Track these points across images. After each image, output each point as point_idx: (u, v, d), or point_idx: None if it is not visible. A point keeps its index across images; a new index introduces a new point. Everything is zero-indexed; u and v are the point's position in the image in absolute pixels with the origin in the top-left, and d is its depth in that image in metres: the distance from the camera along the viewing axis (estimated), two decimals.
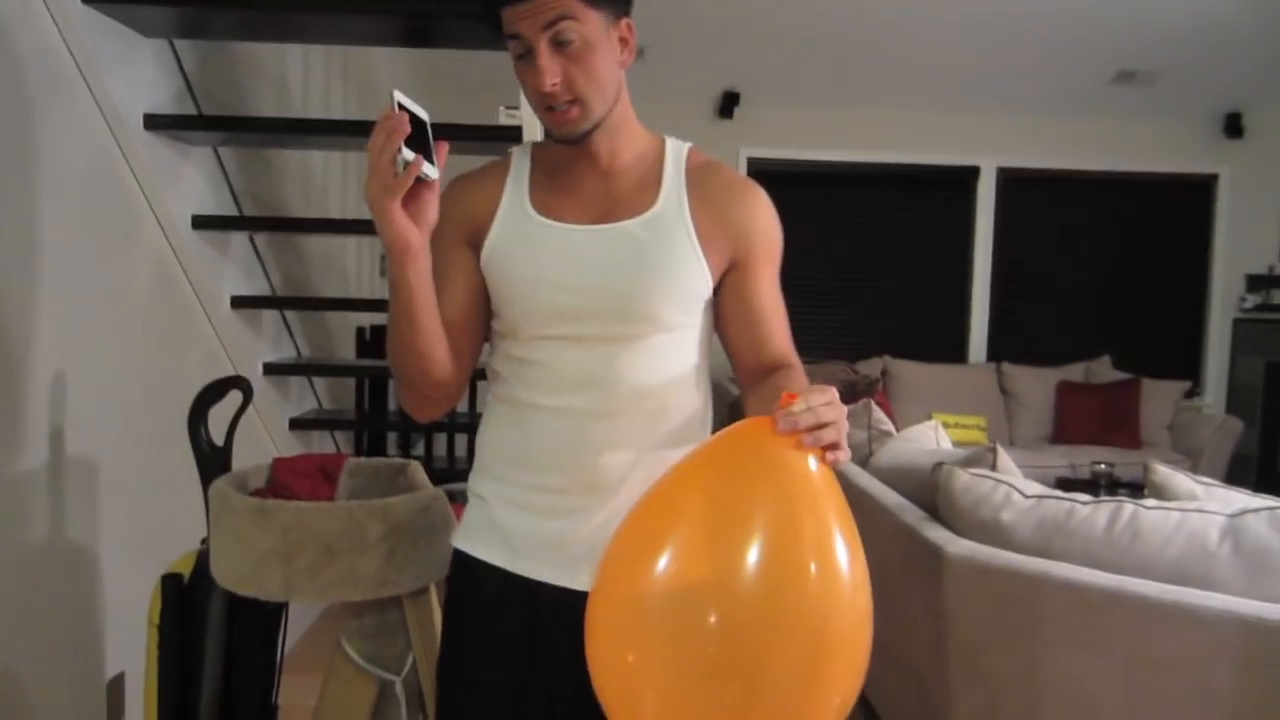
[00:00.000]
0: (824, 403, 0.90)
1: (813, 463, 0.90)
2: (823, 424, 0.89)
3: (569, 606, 1.09)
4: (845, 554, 0.87)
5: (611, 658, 0.89)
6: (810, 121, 5.90)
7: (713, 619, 0.82)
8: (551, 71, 1.07)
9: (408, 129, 0.96)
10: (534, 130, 2.10)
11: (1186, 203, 6.16)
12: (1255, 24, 4.97)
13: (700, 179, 1.20)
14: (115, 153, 2.12)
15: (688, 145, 1.25)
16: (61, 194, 1.91)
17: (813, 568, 0.85)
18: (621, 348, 1.16)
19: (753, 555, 0.83)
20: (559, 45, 1.06)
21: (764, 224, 1.22)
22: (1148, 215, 6.15)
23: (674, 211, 1.18)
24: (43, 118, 1.85)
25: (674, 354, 1.20)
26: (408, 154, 0.97)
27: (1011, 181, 6.10)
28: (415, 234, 1.03)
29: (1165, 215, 6.16)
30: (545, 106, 1.11)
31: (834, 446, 0.91)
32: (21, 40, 1.80)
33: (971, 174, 6.09)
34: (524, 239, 1.19)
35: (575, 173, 1.20)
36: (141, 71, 2.23)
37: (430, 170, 1.01)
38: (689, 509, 0.89)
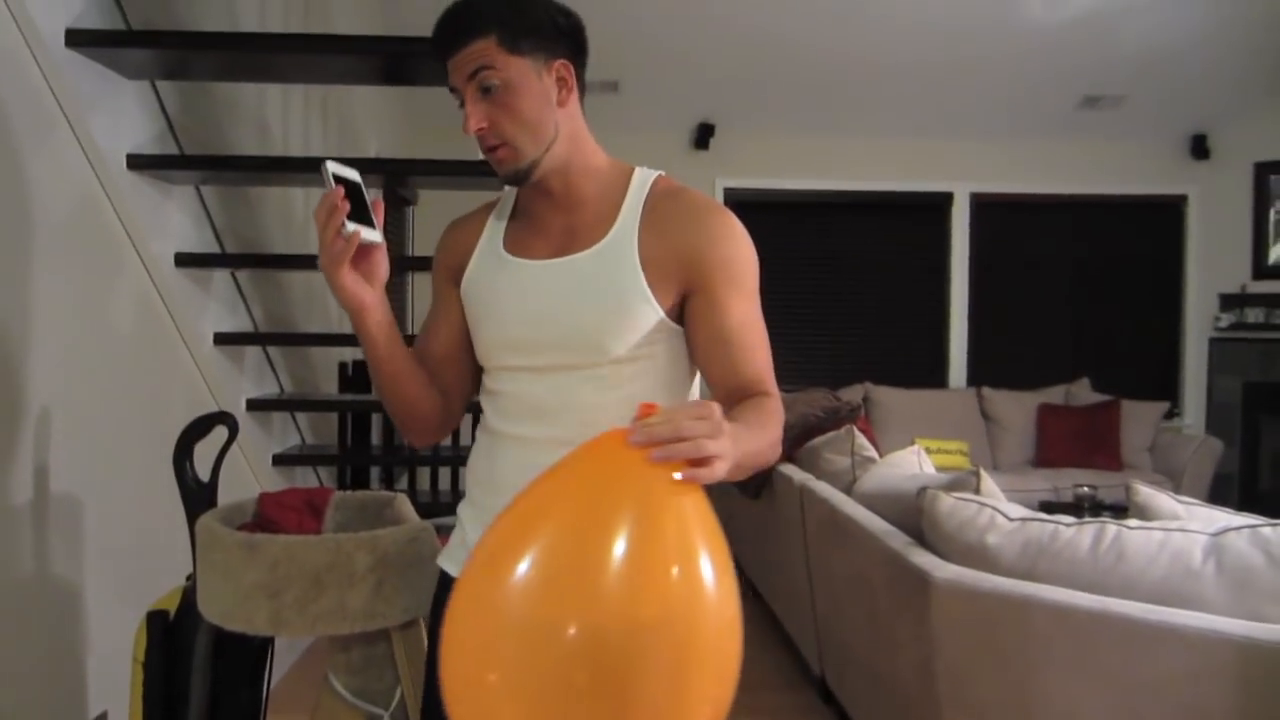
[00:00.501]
0: (691, 417, 0.86)
1: (677, 476, 0.86)
2: (681, 439, 0.85)
3: None
4: (709, 565, 0.85)
5: (468, 675, 0.85)
6: (785, 151, 5.97)
7: (573, 630, 0.79)
8: (475, 116, 1.14)
9: (347, 206, 1.07)
10: None
11: (1157, 223, 6.26)
12: (1216, 48, 5.09)
13: (657, 207, 1.21)
14: (99, 192, 2.12)
15: (656, 175, 1.26)
16: (45, 233, 1.91)
17: (674, 574, 0.83)
18: (575, 377, 1.19)
19: (612, 564, 0.80)
20: (484, 91, 1.14)
21: (722, 249, 1.19)
22: (1120, 237, 6.25)
23: (623, 243, 1.19)
24: (26, 159, 1.86)
25: (633, 383, 1.20)
26: (350, 227, 1.07)
27: (985, 206, 6.19)
28: (368, 292, 1.14)
29: (1137, 236, 6.26)
30: (483, 150, 1.19)
31: (698, 463, 0.86)
32: (5, 83, 1.80)
33: (945, 200, 6.17)
34: (491, 276, 1.26)
35: (540, 209, 1.26)
36: (124, 112, 2.24)
37: (372, 235, 1.11)
38: (549, 519, 0.86)
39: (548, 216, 1.25)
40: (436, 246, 1.33)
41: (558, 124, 1.18)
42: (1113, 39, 4.98)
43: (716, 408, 0.90)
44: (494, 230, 1.30)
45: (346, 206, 1.06)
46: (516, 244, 1.26)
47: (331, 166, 1.08)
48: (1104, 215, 6.23)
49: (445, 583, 1.27)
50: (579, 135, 1.22)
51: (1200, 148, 6.12)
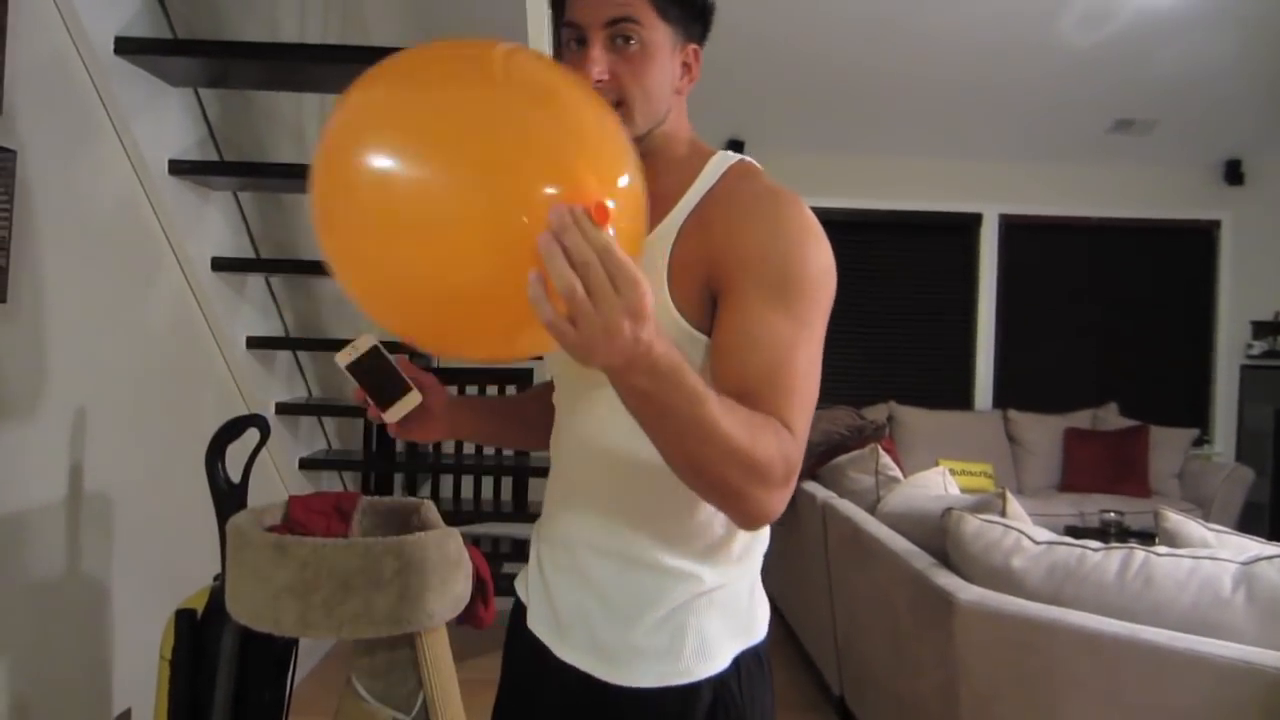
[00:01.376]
0: (613, 286, 0.72)
1: (531, 276, 0.75)
2: (564, 290, 0.71)
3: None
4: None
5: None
6: (814, 169, 5.97)
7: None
8: (601, 63, 1.00)
9: (372, 408, 1.09)
10: None
11: (1190, 249, 6.20)
12: (1250, 73, 5.04)
13: (716, 196, 1.04)
14: (140, 196, 2.17)
15: (735, 159, 1.09)
16: (88, 235, 1.95)
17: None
18: (597, 394, 1.03)
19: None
20: (617, 43, 1.00)
21: (759, 241, 0.98)
22: (1151, 261, 6.19)
23: (663, 239, 1.03)
24: (73, 162, 1.90)
25: None
26: (384, 417, 1.09)
27: (1014, 228, 6.15)
28: (430, 430, 1.18)
29: (1169, 261, 6.20)
30: None
31: (570, 321, 0.73)
32: (56, 88, 1.85)
33: (974, 220, 6.14)
34: None
35: None
36: (168, 119, 2.28)
37: (405, 405, 1.09)
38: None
39: None
40: None
41: (669, 110, 1.06)
42: (1146, 63, 4.95)
43: (651, 306, 0.74)
44: None
45: (379, 414, 1.08)
46: None
47: (343, 361, 1.07)
48: (1135, 239, 6.17)
49: (518, 609, 1.19)
50: (680, 126, 1.10)
51: (1234, 173, 6.06)
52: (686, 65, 1.07)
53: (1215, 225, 6.16)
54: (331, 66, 2.26)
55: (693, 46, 1.07)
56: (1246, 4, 4.33)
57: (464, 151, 0.78)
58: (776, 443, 0.89)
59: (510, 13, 2.20)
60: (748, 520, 0.93)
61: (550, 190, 0.75)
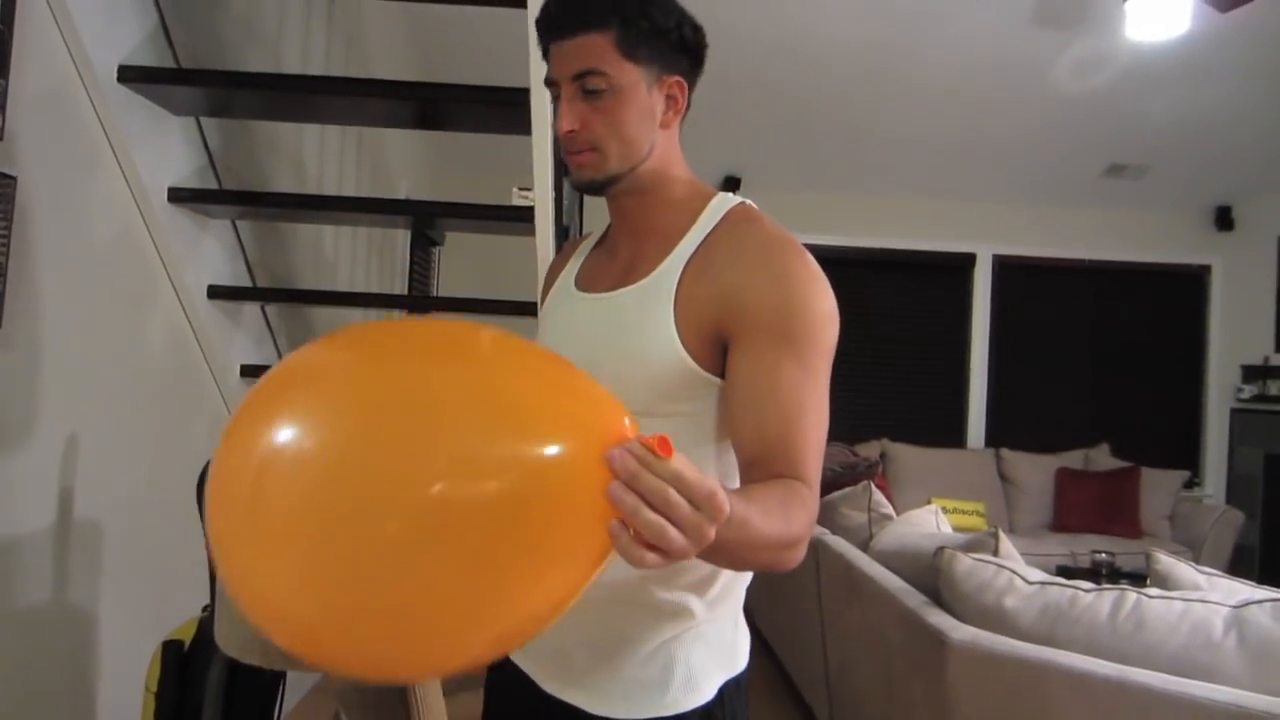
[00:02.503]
0: (694, 498, 0.68)
1: (612, 524, 0.68)
2: (661, 513, 0.67)
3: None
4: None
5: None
6: (810, 206, 6.03)
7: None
8: (569, 116, 1.04)
9: None
10: (547, 211, 2.16)
11: (1180, 293, 6.26)
12: (1241, 122, 5.12)
13: (718, 239, 1.05)
14: (139, 223, 2.18)
15: (735, 202, 1.11)
16: (85, 262, 1.96)
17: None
18: None
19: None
20: (587, 94, 1.03)
21: (768, 290, 0.99)
22: (1142, 304, 6.24)
23: (666, 278, 1.04)
24: (73, 188, 1.91)
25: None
26: None
27: (1008, 269, 6.20)
28: None
29: (1160, 305, 6.25)
30: (567, 151, 1.07)
31: (648, 544, 0.68)
32: (58, 115, 1.86)
33: (968, 260, 6.19)
34: (552, 312, 1.20)
35: (615, 236, 1.17)
36: (169, 147, 2.30)
37: None
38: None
39: (620, 244, 1.15)
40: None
41: (654, 143, 1.07)
42: (1138, 110, 5.02)
43: (727, 503, 0.70)
44: (576, 261, 1.21)
45: None
46: (587, 276, 1.17)
47: None
48: (1127, 282, 6.23)
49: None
50: (670, 159, 1.11)
51: (1225, 219, 6.13)
52: (671, 98, 1.08)
53: (1206, 270, 6.22)
54: (333, 98, 2.28)
55: (674, 79, 1.08)
56: (1237, 54, 4.41)
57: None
58: (805, 511, 0.91)
59: (509, 44, 2.22)
60: (782, 572, 0.94)
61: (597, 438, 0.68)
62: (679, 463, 0.68)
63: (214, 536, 0.71)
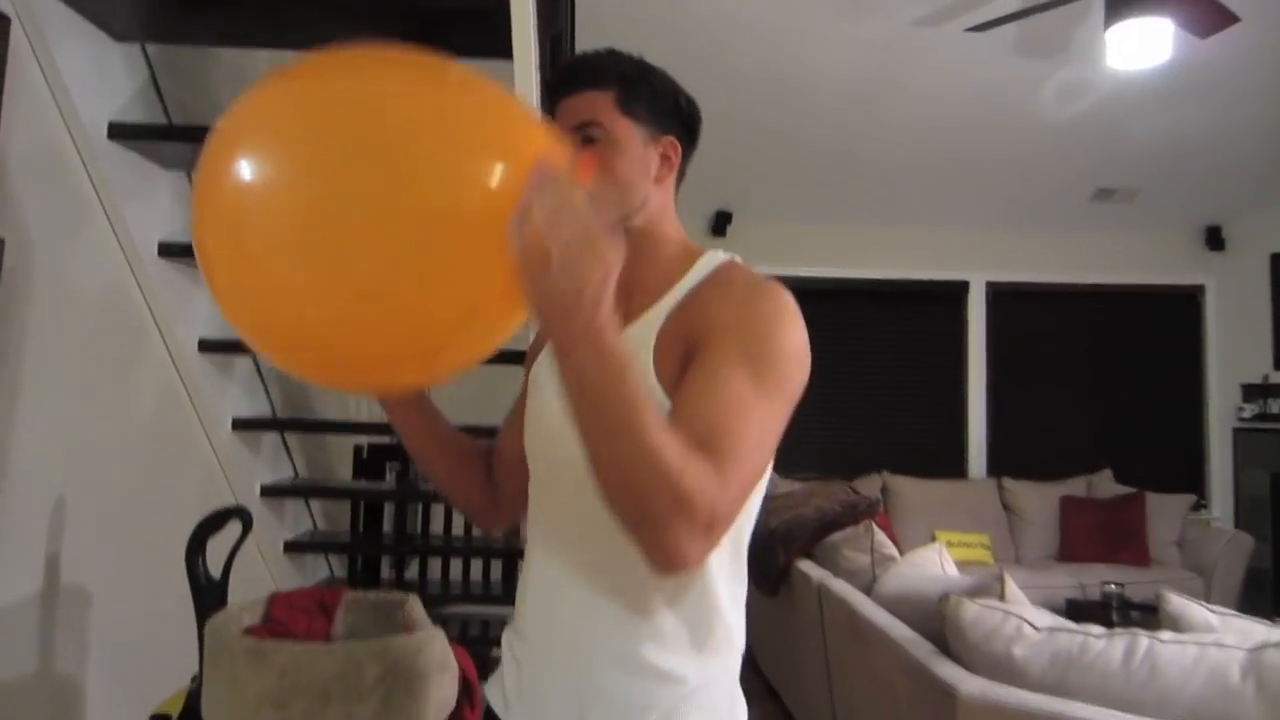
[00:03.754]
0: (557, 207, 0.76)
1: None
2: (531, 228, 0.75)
3: None
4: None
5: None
6: (802, 238, 6.03)
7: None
8: None
9: None
10: None
11: (1175, 313, 6.24)
12: (1226, 142, 5.14)
13: (701, 288, 1.09)
14: (129, 279, 2.16)
15: (725, 258, 1.13)
16: (74, 320, 1.93)
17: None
18: (586, 486, 0.95)
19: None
20: (586, 142, 1.09)
21: (735, 312, 1.01)
22: (1138, 326, 6.22)
23: (650, 326, 1.07)
24: (62, 246, 1.89)
25: None
26: None
27: (1001, 295, 6.20)
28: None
29: (1156, 326, 6.24)
30: None
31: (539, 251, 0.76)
32: (49, 174, 1.85)
33: (961, 288, 6.19)
34: (542, 370, 1.20)
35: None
36: (159, 201, 2.28)
37: None
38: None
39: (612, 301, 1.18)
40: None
41: (647, 197, 1.12)
42: (1124, 134, 5.03)
43: (617, 263, 0.79)
44: None
45: None
46: None
47: None
48: (1122, 305, 6.22)
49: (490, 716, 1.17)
50: (663, 218, 1.15)
51: (1215, 239, 6.14)
52: (665, 157, 1.13)
53: (1199, 290, 6.22)
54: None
55: (668, 139, 1.13)
56: (1220, 76, 4.43)
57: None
58: (705, 480, 0.87)
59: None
60: (663, 557, 0.88)
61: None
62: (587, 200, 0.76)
63: (203, 257, 0.84)
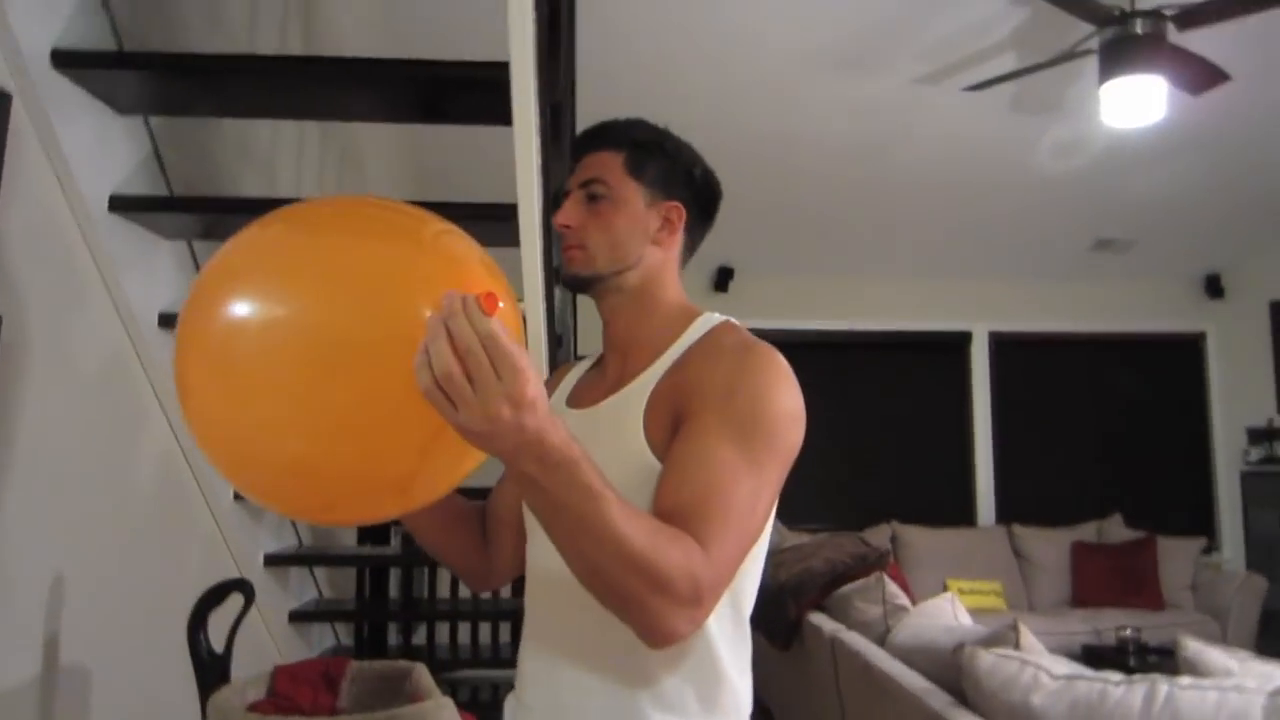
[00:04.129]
0: (492, 366, 0.75)
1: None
2: (443, 379, 0.75)
3: None
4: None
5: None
6: (804, 292, 6.06)
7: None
8: (566, 212, 1.14)
9: None
10: (538, 320, 2.15)
11: (1178, 360, 6.27)
12: (1220, 192, 5.20)
13: (695, 348, 1.10)
14: (129, 351, 2.16)
15: (721, 320, 1.15)
16: (72, 394, 1.93)
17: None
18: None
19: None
20: (590, 199, 1.14)
21: (725, 377, 1.01)
22: (1142, 374, 6.24)
23: (643, 387, 1.08)
24: (61, 320, 1.89)
25: None
26: None
27: (1005, 345, 6.21)
28: None
29: (1159, 373, 6.25)
30: (562, 246, 1.17)
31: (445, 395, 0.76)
32: (46, 247, 1.86)
33: (964, 339, 6.20)
34: None
35: (607, 357, 1.21)
36: (159, 272, 2.29)
37: None
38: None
39: (610, 363, 1.19)
40: None
41: (643, 256, 1.15)
42: (1121, 186, 5.10)
43: (536, 393, 0.77)
44: (570, 381, 1.26)
45: None
46: (577, 393, 1.21)
47: None
48: (1124, 353, 6.24)
49: None
50: (660, 279, 1.17)
51: (1215, 287, 6.19)
52: (667, 220, 1.16)
53: (1200, 337, 6.26)
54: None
55: (673, 203, 1.16)
56: (1212, 131, 4.50)
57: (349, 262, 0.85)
58: (683, 558, 0.88)
59: (498, 162, 2.24)
60: (650, 635, 0.90)
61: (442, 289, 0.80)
62: (499, 328, 0.75)
63: (185, 394, 0.90)
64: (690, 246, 1.21)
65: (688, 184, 1.18)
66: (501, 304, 0.81)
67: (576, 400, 1.20)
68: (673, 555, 0.87)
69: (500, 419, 0.76)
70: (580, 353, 1.57)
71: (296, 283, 0.83)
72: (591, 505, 0.83)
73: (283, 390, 0.81)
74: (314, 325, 0.81)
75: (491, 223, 1.99)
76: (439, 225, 0.93)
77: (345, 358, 0.80)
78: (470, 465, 0.91)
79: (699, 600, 0.89)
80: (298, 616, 3.06)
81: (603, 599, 0.89)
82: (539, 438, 0.79)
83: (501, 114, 1.73)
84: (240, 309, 0.83)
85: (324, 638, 3.43)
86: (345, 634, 3.59)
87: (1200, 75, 3.38)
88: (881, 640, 2.81)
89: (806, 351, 6.60)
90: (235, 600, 1.79)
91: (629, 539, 0.84)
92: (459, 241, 0.93)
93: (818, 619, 3.24)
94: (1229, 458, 6.13)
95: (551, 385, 1.29)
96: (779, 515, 1.11)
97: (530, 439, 0.79)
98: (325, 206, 0.96)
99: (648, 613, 0.88)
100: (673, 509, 0.93)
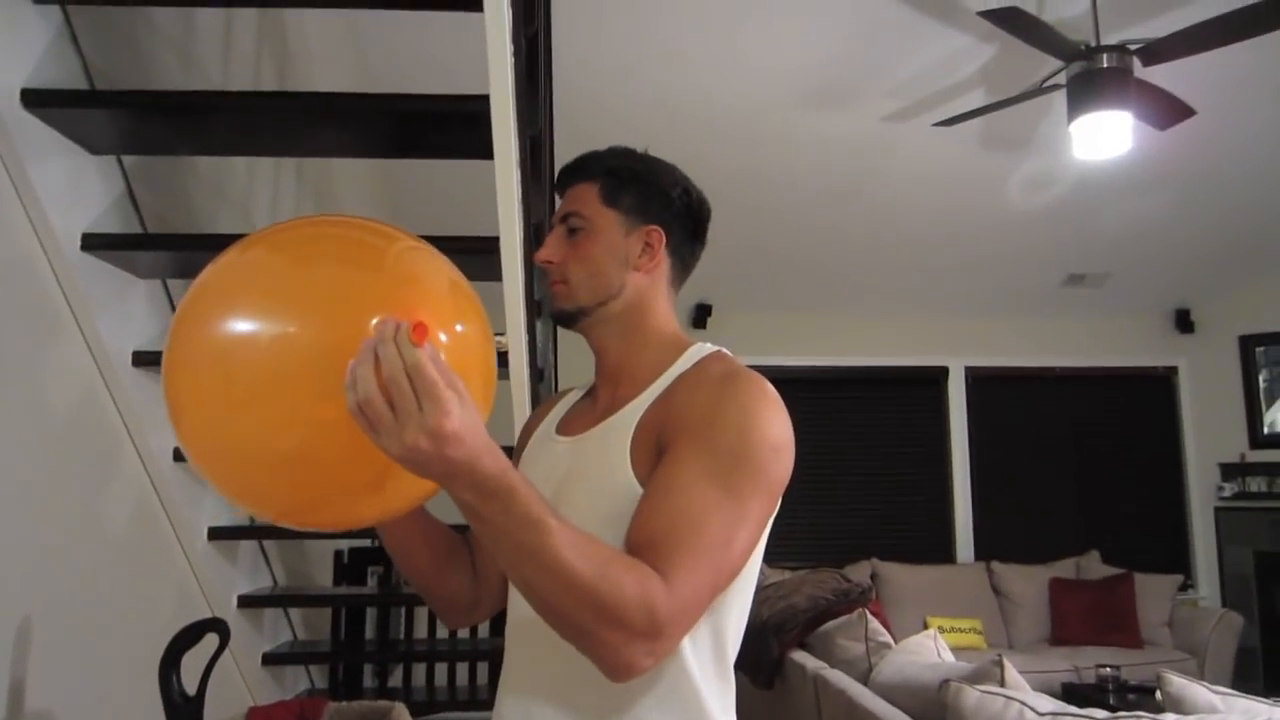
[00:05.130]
0: (413, 392, 0.78)
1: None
2: (365, 404, 0.78)
3: None
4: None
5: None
6: (781, 328, 6.07)
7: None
8: (548, 247, 1.15)
9: None
10: (520, 354, 2.14)
11: (1151, 395, 6.33)
12: (1192, 226, 5.30)
13: (684, 377, 1.08)
14: (101, 390, 2.13)
15: (711, 350, 1.14)
16: (43, 432, 1.90)
17: None
18: None
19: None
20: (570, 232, 1.15)
21: (707, 407, 1.00)
22: (1116, 408, 6.29)
23: (631, 415, 1.07)
24: (32, 361, 1.87)
25: None
26: None
27: (981, 380, 6.25)
28: None
29: (1132, 408, 6.31)
30: (549, 281, 1.18)
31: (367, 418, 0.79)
32: (20, 289, 1.84)
33: (941, 374, 6.24)
34: (533, 458, 1.21)
35: (598, 386, 1.20)
36: (133, 310, 2.27)
37: None
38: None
39: (601, 390, 1.18)
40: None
41: (625, 285, 1.14)
42: (1092, 221, 5.18)
43: (459, 424, 0.78)
44: (560, 409, 1.25)
45: None
46: (568, 421, 1.20)
47: None
48: (1098, 387, 6.30)
49: None
50: (648, 305, 1.16)
51: (1185, 321, 6.27)
52: (648, 245, 1.15)
53: (1173, 372, 6.32)
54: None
55: (652, 228, 1.16)
56: (1178, 165, 4.59)
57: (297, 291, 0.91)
58: (637, 588, 0.86)
59: (478, 195, 2.24)
60: (607, 668, 0.89)
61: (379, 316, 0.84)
62: (427, 357, 0.77)
63: (177, 410, 0.94)
64: (682, 268, 1.21)
65: (667, 206, 1.17)
66: (452, 333, 0.90)
67: (566, 428, 1.19)
68: (625, 585, 0.86)
69: (418, 449, 0.77)
70: (561, 387, 1.56)
71: (272, 303, 0.89)
72: (532, 535, 0.83)
73: (266, 395, 0.86)
74: (285, 339, 0.87)
75: (472, 256, 1.99)
76: (406, 244, 0.98)
77: (314, 366, 0.84)
78: None
79: (656, 633, 0.87)
80: (272, 659, 2.99)
81: (558, 630, 0.89)
82: (469, 467, 0.80)
83: (480, 148, 1.73)
84: (225, 327, 0.89)
85: (298, 680, 3.36)
86: (320, 676, 3.52)
87: (1166, 110, 3.45)
88: (865, 678, 2.79)
89: (785, 388, 6.54)
90: (208, 642, 1.75)
91: (574, 568, 0.84)
92: (423, 261, 0.98)
93: (800, 657, 3.21)
94: (1203, 493, 6.17)
95: (543, 412, 1.29)
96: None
97: (458, 469, 0.80)
98: (303, 229, 1.01)
99: (600, 644, 0.87)
100: (642, 539, 0.93)
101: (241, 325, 0.89)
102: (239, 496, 0.98)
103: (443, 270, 0.98)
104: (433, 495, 0.97)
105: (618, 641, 0.86)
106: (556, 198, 1.22)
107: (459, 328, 0.93)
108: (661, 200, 1.17)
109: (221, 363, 0.88)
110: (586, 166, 1.18)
